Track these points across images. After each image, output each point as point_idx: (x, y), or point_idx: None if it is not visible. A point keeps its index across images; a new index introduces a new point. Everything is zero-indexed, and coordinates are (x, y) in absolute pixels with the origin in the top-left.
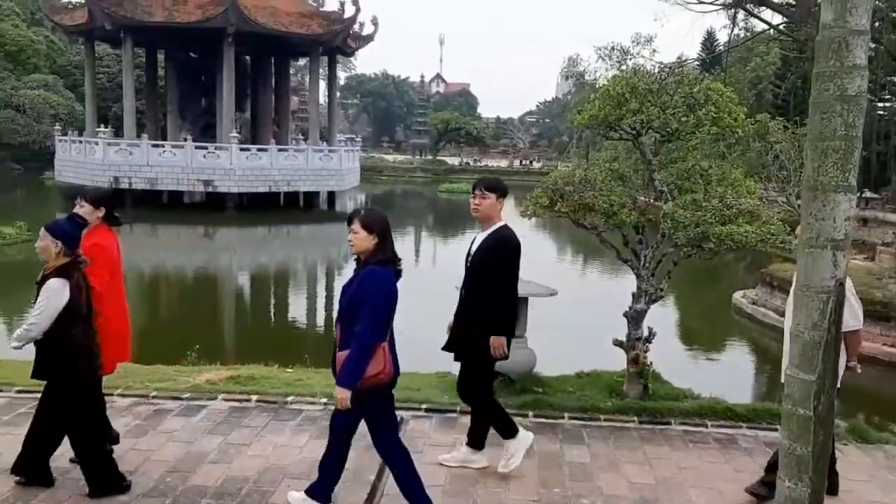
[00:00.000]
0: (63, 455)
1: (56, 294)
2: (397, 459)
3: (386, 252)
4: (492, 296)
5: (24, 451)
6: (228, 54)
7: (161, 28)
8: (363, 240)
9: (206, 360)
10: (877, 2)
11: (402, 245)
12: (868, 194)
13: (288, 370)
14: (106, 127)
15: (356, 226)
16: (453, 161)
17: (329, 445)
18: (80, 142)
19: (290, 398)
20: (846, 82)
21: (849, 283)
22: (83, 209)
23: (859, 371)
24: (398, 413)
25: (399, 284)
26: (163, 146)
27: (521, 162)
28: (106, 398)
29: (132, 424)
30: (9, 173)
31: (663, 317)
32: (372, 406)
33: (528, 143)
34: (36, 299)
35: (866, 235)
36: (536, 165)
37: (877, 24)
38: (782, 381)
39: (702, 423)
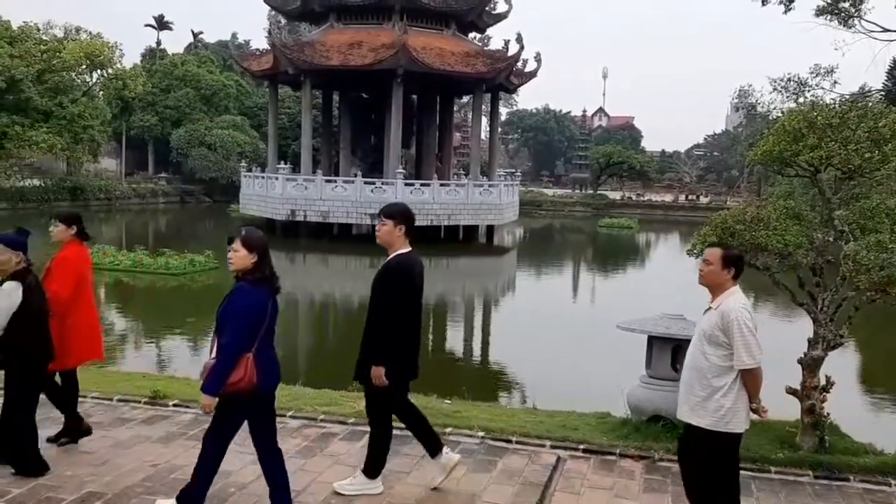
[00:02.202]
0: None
1: (6, 295)
2: (272, 465)
3: (263, 270)
4: (377, 325)
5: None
6: (397, 94)
7: (337, 71)
8: (242, 258)
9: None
10: None
11: (559, 280)
12: None
13: (446, 401)
14: (285, 163)
15: (236, 244)
16: (615, 195)
17: (205, 450)
18: (262, 177)
19: (448, 429)
20: None
21: (744, 316)
22: (58, 228)
23: (765, 413)
24: (556, 452)
25: (537, 321)
26: (335, 181)
27: (686, 196)
28: (277, 418)
29: (301, 446)
30: (199, 206)
31: (844, 364)
32: (250, 411)
33: (694, 176)
34: None
35: None
36: (703, 200)
37: None
38: None
39: (885, 482)
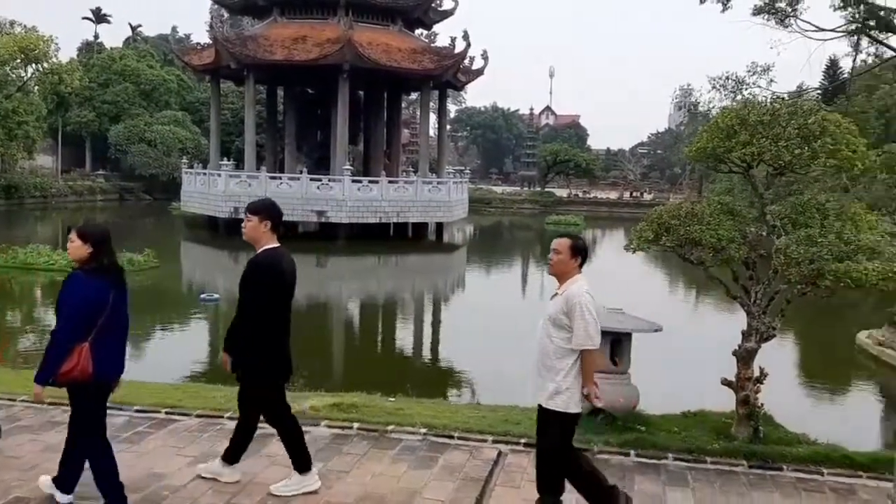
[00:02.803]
0: None
1: None
2: (100, 457)
3: (100, 261)
4: (245, 321)
5: None
6: (343, 90)
7: (281, 66)
8: (77, 248)
9: (312, 387)
10: None
11: (508, 277)
12: None
13: (390, 399)
14: (228, 160)
15: (73, 235)
16: (562, 193)
17: (78, 446)
18: (204, 174)
19: (390, 427)
20: None
21: (586, 300)
22: None
23: (598, 401)
24: (497, 447)
25: (486, 318)
26: (280, 178)
27: (631, 194)
28: (217, 421)
29: None
30: (139, 204)
31: (779, 356)
32: (87, 399)
33: (638, 174)
34: None
35: None
36: (647, 197)
37: None
38: None
39: (817, 471)
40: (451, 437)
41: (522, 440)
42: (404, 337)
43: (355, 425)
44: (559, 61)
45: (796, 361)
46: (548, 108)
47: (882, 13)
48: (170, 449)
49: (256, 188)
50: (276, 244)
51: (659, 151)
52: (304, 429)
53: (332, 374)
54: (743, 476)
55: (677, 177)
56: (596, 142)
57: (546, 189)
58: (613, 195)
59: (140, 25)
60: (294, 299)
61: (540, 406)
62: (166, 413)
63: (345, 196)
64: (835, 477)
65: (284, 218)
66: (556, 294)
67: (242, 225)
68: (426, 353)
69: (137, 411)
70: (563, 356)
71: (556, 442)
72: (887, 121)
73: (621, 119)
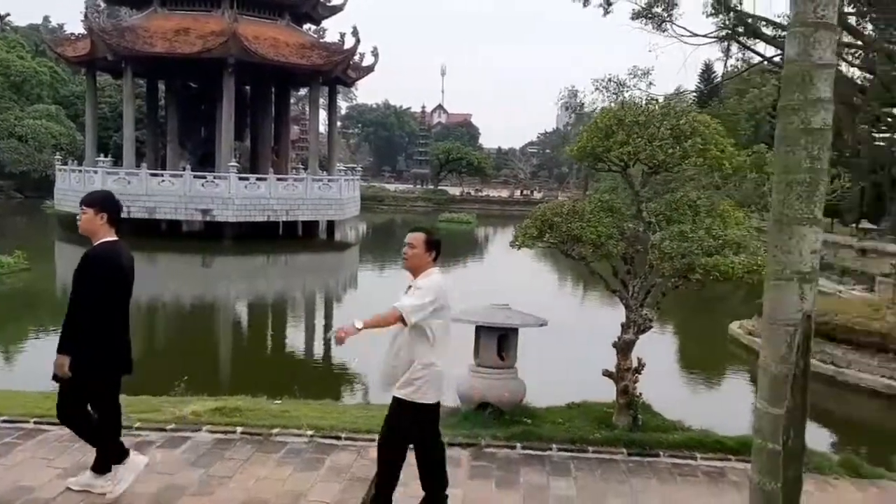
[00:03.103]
0: None
1: None
2: None
3: None
4: (79, 316)
5: None
6: (228, 84)
7: (162, 59)
8: None
9: (195, 391)
10: (870, 32)
11: (401, 275)
12: (867, 225)
13: (276, 402)
14: (106, 156)
15: None
16: (454, 191)
17: None
18: (80, 171)
19: (275, 430)
20: (810, 115)
21: (431, 284)
22: None
23: (340, 340)
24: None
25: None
26: (161, 175)
27: (521, 192)
28: None
29: None
30: (10, 202)
31: (658, 347)
32: None
33: (529, 173)
34: None
35: (866, 266)
36: (537, 196)
37: (871, 55)
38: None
39: (691, 456)
40: (339, 437)
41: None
42: (294, 338)
43: (239, 429)
44: (451, 60)
45: (674, 351)
46: (440, 107)
47: (750, 21)
48: (39, 461)
49: (136, 186)
50: (114, 237)
51: (548, 151)
52: (184, 435)
53: (217, 377)
54: (622, 463)
55: (565, 176)
56: (487, 141)
57: (439, 187)
58: (505, 193)
59: (8, 14)
60: (179, 301)
61: (394, 397)
62: (35, 423)
63: (231, 194)
64: (707, 461)
65: (166, 217)
66: (410, 287)
67: (77, 217)
68: (316, 353)
69: (4, 421)
70: (414, 347)
71: (404, 431)
72: (757, 122)
73: (512, 118)
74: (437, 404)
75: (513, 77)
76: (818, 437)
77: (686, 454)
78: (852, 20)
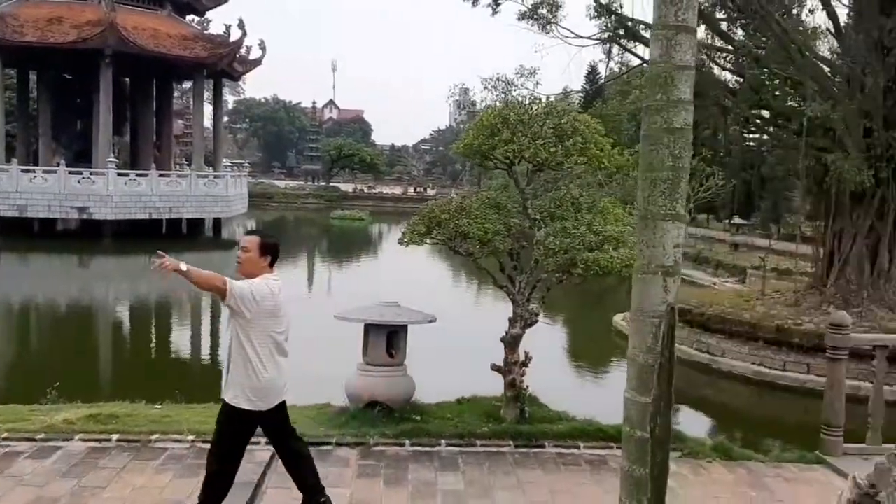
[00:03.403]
0: None
1: None
2: None
3: None
4: None
5: None
6: (106, 76)
7: (34, 48)
8: None
9: (68, 399)
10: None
11: (291, 273)
12: (739, 221)
13: (156, 407)
14: None
15: None
16: (347, 188)
17: None
18: None
19: (154, 436)
20: (672, 115)
21: (264, 285)
22: None
23: (167, 267)
24: (271, 448)
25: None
26: (34, 171)
27: (415, 189)
28: None
29: None
30: None
31: (546, 340)
32: None
33: (422, 170)
34: None
35: (738, 260)
36: (431, 193)
37: (741, 59)
38: None
39: (574, 445)
40: None
41: None
42: (178, 340)
43: (114, 437)
44: (343, 55)
45: (562, 344)
46: (331, 102)
47: (630, 24)
48: None
49: (6, 182)
50: None
51: (441, 148)
52: (55, 444)
53: (93, 384)
54: (510, 455)
55: (459, 173)
56: (381, 137)
57: (331, 184)
58: (398, 190)
59: None
60: (54, 304)
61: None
62: None
63: (110, 191)
64: (590, 450)
65: (39, 215)
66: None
67: None
68: (202, 355)
69: None
70: (236, 349)
71: (224, 437)
72: (638, 123)
73: (405, 115)
74: (260, 412)
75: (406, 73)
76: (694, 423)
77: (570, 444)
78: (724, 25)
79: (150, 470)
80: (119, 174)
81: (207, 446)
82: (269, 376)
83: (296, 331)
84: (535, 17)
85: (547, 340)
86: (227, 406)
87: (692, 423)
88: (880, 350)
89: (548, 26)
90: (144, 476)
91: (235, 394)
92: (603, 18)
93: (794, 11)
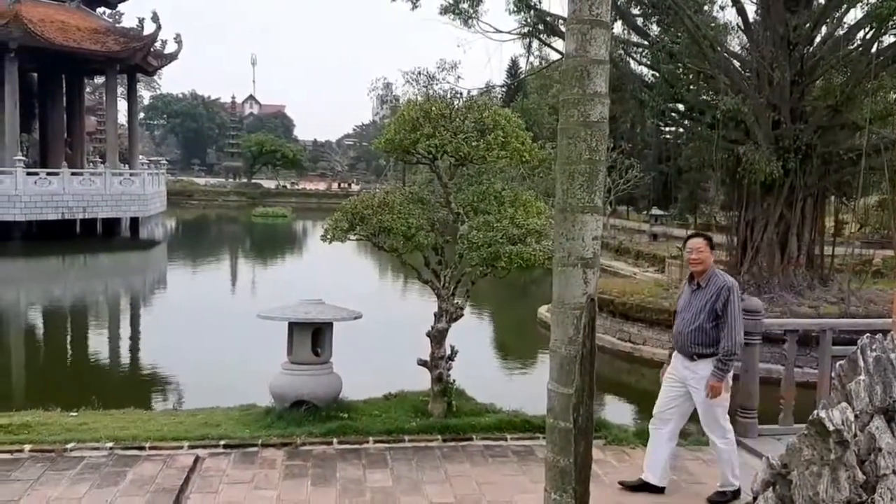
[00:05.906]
0: None
1: None
2: None
3: None
4: None
5: None
6: (11, 70)
7: None
8: None
9: None
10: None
11: (212, 273)
12: (657, 212)
13: (72, 414)
14: None
15: None
16: (270, 184)
17: None
18: None
19: (70, 445)
20: (588, 109)
21: None
22: None
23: None
24: (195, 452)
25: (190, 318)
26: None
27: (339, 185)
28: None
29: None
30: None
31: (473, 334)
32: None
33: (346, 166)
34: None
35: (657, 249)
36: (355, 188)
37: (656, 54)
38: None
39: (501, 437)
40: (143, 448)
41: (222, 442)
42: (95, 345)
43: (27, 447)
44: (262, 49)
45: (488, 337)
46: (251, 98)
47: (549, 19)
48: None
49: None
50: None
51: (364, 143)
52: None
53: (4, 392)
54: (438, 450)
55: (383, 168)
56: (303, 133)
57: (253, 181)
58: (322, 186)
59: None
60: None
61: None
62: None
63: (18, 190)
64: (517, 441)
65: None
66: None
67: None
68: (120, 359)
69: None
70: None
71: None
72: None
73: (328, 110)
74: None
75: (328, 67)
76: (618, 410)
77: (497, 436)
78: (639, 21)
79: (65, 481)
80: (28, 173)
81: (127, 453)
82: None
83: (219, 331)
84: (457, 11)
85: (473, 334)
86: None
87: (616, 410)
88: (791, 334)
89: (469, 21)
90: (60, 487)
91: None
92: (523, 13)
93: (706, 8)
